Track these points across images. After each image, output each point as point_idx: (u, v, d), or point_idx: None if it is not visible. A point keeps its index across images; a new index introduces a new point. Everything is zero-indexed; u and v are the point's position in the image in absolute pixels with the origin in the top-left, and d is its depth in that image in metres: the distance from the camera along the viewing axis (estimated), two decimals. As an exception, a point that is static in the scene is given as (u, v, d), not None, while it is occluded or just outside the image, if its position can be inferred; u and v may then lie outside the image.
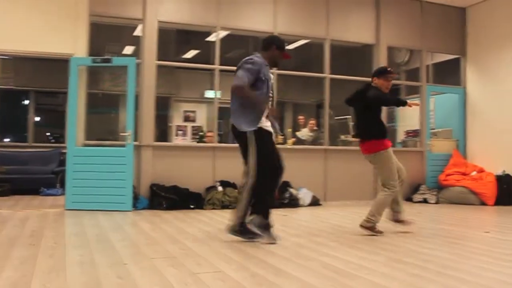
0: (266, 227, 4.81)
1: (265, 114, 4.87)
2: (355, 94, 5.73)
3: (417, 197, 9.54)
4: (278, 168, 4.86)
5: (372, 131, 5.48)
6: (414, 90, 11.07)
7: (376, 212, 5.40)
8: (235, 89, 4.83)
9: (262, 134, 4.80)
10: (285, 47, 5.17)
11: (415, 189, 9.70)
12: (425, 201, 9.44)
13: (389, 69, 5.69)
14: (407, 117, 11.66)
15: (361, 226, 5.46)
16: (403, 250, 4.63)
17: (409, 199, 9.60)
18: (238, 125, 4.87)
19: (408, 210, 8.05)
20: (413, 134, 10.90)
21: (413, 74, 10.86)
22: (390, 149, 5.49)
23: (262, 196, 4.83)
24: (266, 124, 4.88)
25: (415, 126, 10.72)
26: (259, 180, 4.74)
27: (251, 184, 4.76)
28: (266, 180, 4.78)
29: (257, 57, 4.96)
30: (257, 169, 4.72)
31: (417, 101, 5.63)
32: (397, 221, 5.69)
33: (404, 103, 5.65)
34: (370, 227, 5.40)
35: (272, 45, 5.11)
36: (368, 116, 5.53)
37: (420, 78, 10.35)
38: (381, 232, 5.41)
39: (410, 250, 4.63)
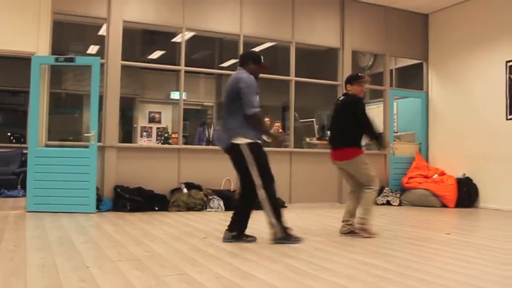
0: (286, 231, 4.99)
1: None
2: (340, 107, 5.73)
3: (380, 199, 9.70)
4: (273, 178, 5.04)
5: (350, 140, 5.56)
6: (377, 94, 11.26)
7: (365, 212, 5.46)
8: (253, 118, 4.86)
9: (257, 147, 4.93)
10: (261, 60, 5.19)
11: (379, 191, 9.83)
12: (388, 203, 9.62)
13: (360, 74, 5.83)
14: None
15: (355, 230, 5.51)
16: (366, 251, 4.70)
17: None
18: (233, 137, 4.92)
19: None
20: (377, 137, 11.04)
21: (377, 78, 11.03)
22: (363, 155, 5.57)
23: (274, 205, 4.95)
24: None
25: (379, 129, 10.86)
26: (268, 191, 4.90)
27: (265, 195, 4.89)
28: (272, 190, 4.95)
29: (245, 74, 4.99)
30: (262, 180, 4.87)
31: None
32: (349, 232, 5.62)
33: (377, 138, 5.77)
34: (364, 228, 5.45)
35: (247, 60, 5.14)
36: (347, 125, 5.57)
37: (384, 82, 10.53)
38: (376, 234, 5.49)
39: (373, 251, 4.71)
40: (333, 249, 4.75)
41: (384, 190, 9.81)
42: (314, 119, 10.79)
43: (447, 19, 10.43)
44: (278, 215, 4.92)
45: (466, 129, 9.83)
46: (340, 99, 5.83)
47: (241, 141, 4.87)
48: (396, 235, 5.96)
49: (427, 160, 10.52)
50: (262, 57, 5.21)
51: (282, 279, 3.53)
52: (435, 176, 9.81)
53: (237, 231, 5.06)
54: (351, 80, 5.73)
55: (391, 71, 10.78)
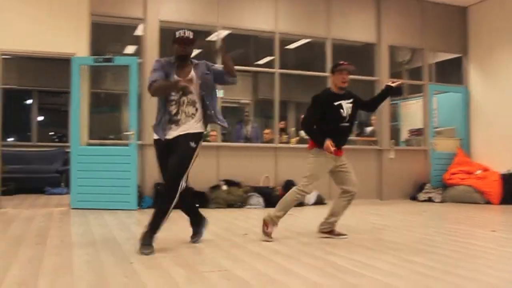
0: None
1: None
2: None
3: (422, 196, 9.53)
4: None
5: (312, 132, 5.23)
6: (417, 89, 11.07)
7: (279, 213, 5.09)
8: (149, 91, 4.45)
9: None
10: (174, 36, 4.59)
11: (420, 188, 9.70)
12: (430, 200, 9.44)
13: (341, 62, 5.28)
14: (410, 116, 11.65)
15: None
16: (409, 248, 4.62)
17: (414, 198, 9.61)
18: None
19: (413, 209, 8.10)
20: (417, 133, 10.88)
21: (416, 73, 10.85)
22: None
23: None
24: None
25: (419, 125, 10.72)
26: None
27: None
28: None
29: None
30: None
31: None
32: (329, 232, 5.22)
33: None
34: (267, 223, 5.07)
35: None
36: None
37: (423, 77, 10.34)
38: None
39: (416, 248, 4.63)
40: (375, 246, 4.69)
41: (426, 187, 9.64)
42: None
43: (486, 11, 10.16)
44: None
45: (510, 123, 9.56)
46: None
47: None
48: (439, 232, 5.85)
49: (469, 156, 10.28)
50: (181, 31, 4.57)
51: (325, 276, 3.51)
52: (478, 172, 9.57)
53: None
54: (331, 69, 5.36)
55: (430, 65, 10.58)
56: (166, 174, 4.40)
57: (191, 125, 4.47)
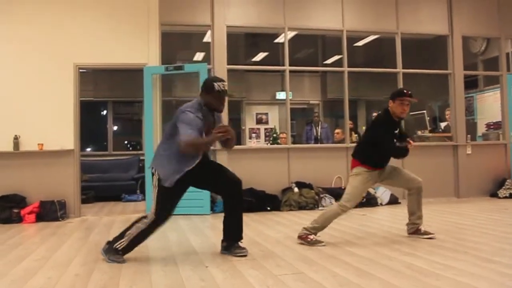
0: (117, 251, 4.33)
1: None
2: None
3: (502, 192, 9.09)
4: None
5: (363, 156, 5.03)
6: (493, 81, 10.59)
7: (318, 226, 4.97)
8: (185, 144, 4.09)
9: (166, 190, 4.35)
10: (213, 89, 4.21)
11: (500, 184, 9.25)
12: (511, 196, 8.98)
13: (405, 91, 5.01)
14: (486, 109, 11.18)
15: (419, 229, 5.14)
16: (491, 248, 4.42)
17: (494, 194, 9.18)
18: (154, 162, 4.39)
19: (494, 207, 7.74)
20: (495, 126, 10.41)
21: (492, 64, 10.37)
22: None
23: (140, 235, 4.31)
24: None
25: (496, 118, 10.24)
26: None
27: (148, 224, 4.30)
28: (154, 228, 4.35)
29: (191, 106, 4.25)
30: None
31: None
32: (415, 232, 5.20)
33: (404, 150, 5.01)
34: (304, 237, 4.93)
35: (202, 89, 4.33)
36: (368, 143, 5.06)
37: (500, 67, 9.86)
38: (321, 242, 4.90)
39: (499, 248, 4.41)
40: (455, 246, 4.52)
41: (506, 183, 9.18)
42: (425, 111, 10.34)
43: None
44: (129, 241, 4.27)
45: None
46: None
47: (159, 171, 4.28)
48: (523, 230, 5.56)
49: (553, 148, 9.71)
50: (220, 84, 4.21)
51: (402, 278, 3.41)
52: None
53: (226, 241, 4.50)
54: (392, 96, 5.06)
55: (507, 54, 10.08)
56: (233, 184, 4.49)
57: None
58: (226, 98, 4.43)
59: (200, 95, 4.31)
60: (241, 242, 4.45)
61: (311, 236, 4.88)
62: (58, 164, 7.63)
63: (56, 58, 7.72)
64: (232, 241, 4.44)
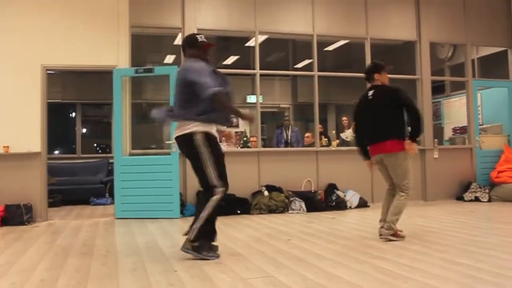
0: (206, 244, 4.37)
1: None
2: (370, 100, 5.34)
3: (468, 195, 9.27)
4: None
5: (398, 131, 5.12)
6: (459, 86, 10.81)
7: (395, 219, 5.13)
8: (214, 98, 4.20)
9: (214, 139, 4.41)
10: (197, 41, 4.46)
11: (466, 187, 9.43)
12: (476, 199, 9.17)
13: (383, 63, 5.41)
14: (453, 114, 11.40)
15: (381, 236, 5.17)
16: (457, 250, 4.49)
17: (460, 198, 9.36)
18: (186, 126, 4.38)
19: (460, 210, 7.89)
20: (461, 130, 10.63)
21: (458, 69, 10.59)
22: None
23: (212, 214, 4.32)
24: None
25: (463, 122, 10.45)
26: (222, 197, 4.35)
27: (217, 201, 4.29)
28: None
29: (190, 62, 4.47)
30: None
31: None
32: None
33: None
34: (393, 233, 5.11)
35: (184, 48, 4.57)
36: (393, 117, 5.12)
37: (466, 73, 10.07)
38: (404, 237, 5.16)
39: (465, 250, 4.49)
40: (422, 249, 4.58)
41: (472, 186, 9.37)
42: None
43: (532, 2, 9.84)
44: (208, 226, 4.30)
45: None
46: (371, 91, 5.36)
47: (195, 129, 4.25)
48: (488, 233, 5.68)
49: (517, 153, 9.94)
50: (199, 36, 4.48)
51: (370, 281, 3.44)
52: (528, 169, 9.26)
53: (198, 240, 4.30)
54: (379, 68, 5.27)
55: (473, 61, 10.30)
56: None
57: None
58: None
59: (184, 55, 4.54)
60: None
61: (399, 231, 5.11)
62: (24, 167, 7.48)
63: (23, 59, 7.57)
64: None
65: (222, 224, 6.63)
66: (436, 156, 9.49)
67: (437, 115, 11.64)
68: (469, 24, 10.00)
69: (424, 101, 9.55)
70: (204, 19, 8.46)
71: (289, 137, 10.89)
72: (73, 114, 13.10)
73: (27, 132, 7.50)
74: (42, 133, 7.60)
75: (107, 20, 7.94)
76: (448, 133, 11.09)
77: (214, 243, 4.43)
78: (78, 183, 10.57)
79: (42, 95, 7.63)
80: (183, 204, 7.76)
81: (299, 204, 8.04)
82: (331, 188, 8.53)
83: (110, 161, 10.06)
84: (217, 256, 4.31)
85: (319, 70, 9.10)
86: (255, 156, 8.58)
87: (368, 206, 8.51)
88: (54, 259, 4.52)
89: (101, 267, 4.10)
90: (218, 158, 4.32)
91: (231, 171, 8.24)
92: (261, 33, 9.01)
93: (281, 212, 7.96)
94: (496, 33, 10.22)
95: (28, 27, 7.65)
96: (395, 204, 5.12)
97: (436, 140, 9.62)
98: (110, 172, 10.24)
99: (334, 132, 11.18)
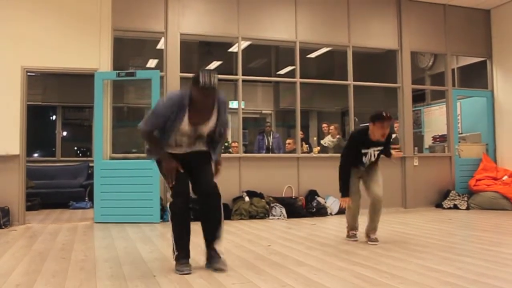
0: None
1: None
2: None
3: (447, 203, 9.37)
4: None
5: None
6: (439, 95, 10.94)
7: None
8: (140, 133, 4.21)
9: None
10: (198, 82, 3.81)
11: (445, 195, 9.54)
12: (455, 207, 9.27)
13: (385, 114, 5.12)
14: (433, 123, 11.52)
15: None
16: (435, 257, 4.53)
17: (439, 205, 9.45)
18: None
19: (439, 217, 7.96)
20: (441, 139, 10.74)
21: (438, 78, 10.72)
22: None
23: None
24: None
25: (442, 131, 10.57)
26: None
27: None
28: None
29: (174, 94, 4.28)
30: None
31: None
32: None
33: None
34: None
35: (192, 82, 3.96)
36: None
37: (446, 83, 10.20)
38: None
39: (443, 257, 4.53)
40: (401, 256, 4.61)
41: (451, 194, 9.48)
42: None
43: (510, 13, 10.00)
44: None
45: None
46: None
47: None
48: (466, 240, 5.74)
49: (495, 161, 10.08)
50: (206, 76, 3.78)
51: (350, 287, 3.45)
52: (505, 177, 9.38)
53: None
54: (373, 118, 5.19)
55: (453, 70, 10.44)
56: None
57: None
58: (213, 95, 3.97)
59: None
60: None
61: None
62: (2, 169, 7.37)
63: (3, 60, 7.47)
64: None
65: (200, 230, 6.60)
66: (416, 164, 9.58)
67: (417, 123, 11.76)
68: (450, 34, 10.14)
69: (405, 109, 9.63)
70: (187, 24, 8.45)
71: (271, 143, 10.91)
72: (54, 117, 12.97)
73: (5, 134, 7.40)
74: (21, 135, 7.50)
75: (90, 22, 7.88)
76: (428, 141, 11.21)
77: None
78: (57, 186, 10.46)
79: (22, 97, 7.54)
80: (163, 209, 7.70)
81: (279, 210, 8.04)
82: (312, 194, 8.56)
83: (90, 164, 9.98)
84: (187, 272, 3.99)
85: (301, 77, 9.13)
86: (236, 161, 8.57)
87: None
88: (31, 263, 4.45)
89: (79, 272, 4.05)
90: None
91: (212, 177, 8.26)
92: (244, 39, 9.02)
93: (262, 218, 7.95)
94: (476, 43, 10.37)
95: (8, 29, 7.55)
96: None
97: (416, 148, 9.71)
98: (90, 176, 10.15)
99: (315, 138, 11.24)
